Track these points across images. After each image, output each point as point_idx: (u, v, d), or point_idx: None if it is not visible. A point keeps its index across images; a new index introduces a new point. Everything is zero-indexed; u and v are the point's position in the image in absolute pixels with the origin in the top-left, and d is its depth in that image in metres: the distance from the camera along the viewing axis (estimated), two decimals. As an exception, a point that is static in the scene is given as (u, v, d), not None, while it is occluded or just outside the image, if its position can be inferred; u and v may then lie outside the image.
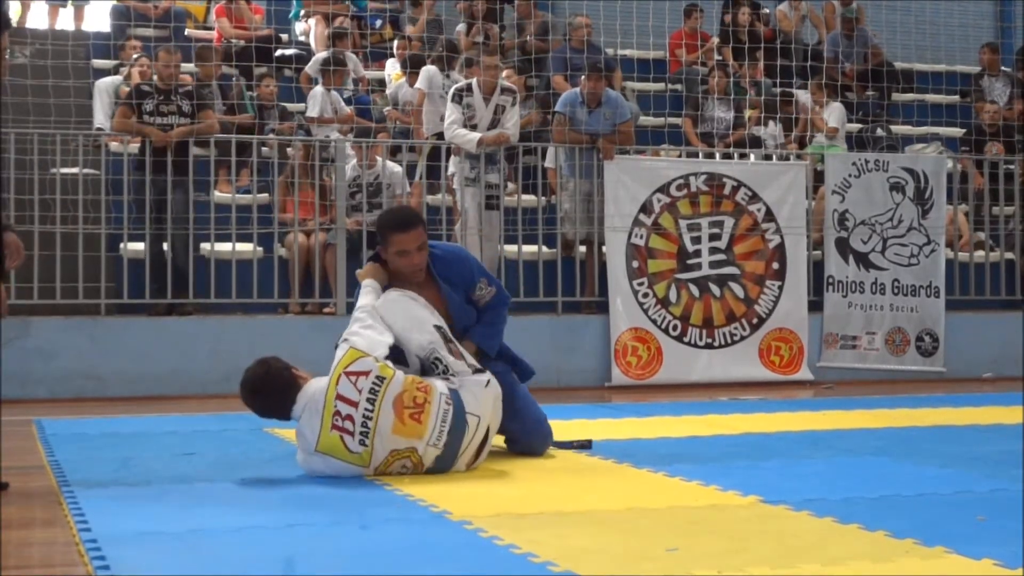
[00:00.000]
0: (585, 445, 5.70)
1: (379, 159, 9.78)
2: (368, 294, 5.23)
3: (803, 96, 11.91)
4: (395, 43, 12.13)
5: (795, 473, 5.11)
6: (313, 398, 4.79)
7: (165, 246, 9.22)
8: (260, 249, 9.44)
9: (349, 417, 4.74)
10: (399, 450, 4.79)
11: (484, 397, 5.02)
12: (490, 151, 9.65)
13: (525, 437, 5.47)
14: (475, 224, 9.51)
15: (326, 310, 9.45)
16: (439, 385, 4.92)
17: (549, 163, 10.36)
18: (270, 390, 4.91)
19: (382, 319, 5.11)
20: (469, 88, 9.63)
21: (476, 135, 9.51)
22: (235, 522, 4.04)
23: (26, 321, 8.56)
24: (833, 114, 11.55)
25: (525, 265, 9.73)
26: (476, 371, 5.08)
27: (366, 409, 4.75)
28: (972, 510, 4.18)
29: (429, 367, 5.06)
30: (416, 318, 5.13)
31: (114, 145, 9.72)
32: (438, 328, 5.11)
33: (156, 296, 9.14)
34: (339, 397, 4.76)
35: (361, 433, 4.74)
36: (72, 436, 6.31)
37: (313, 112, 10.47)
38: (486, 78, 9.58)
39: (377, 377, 4.80)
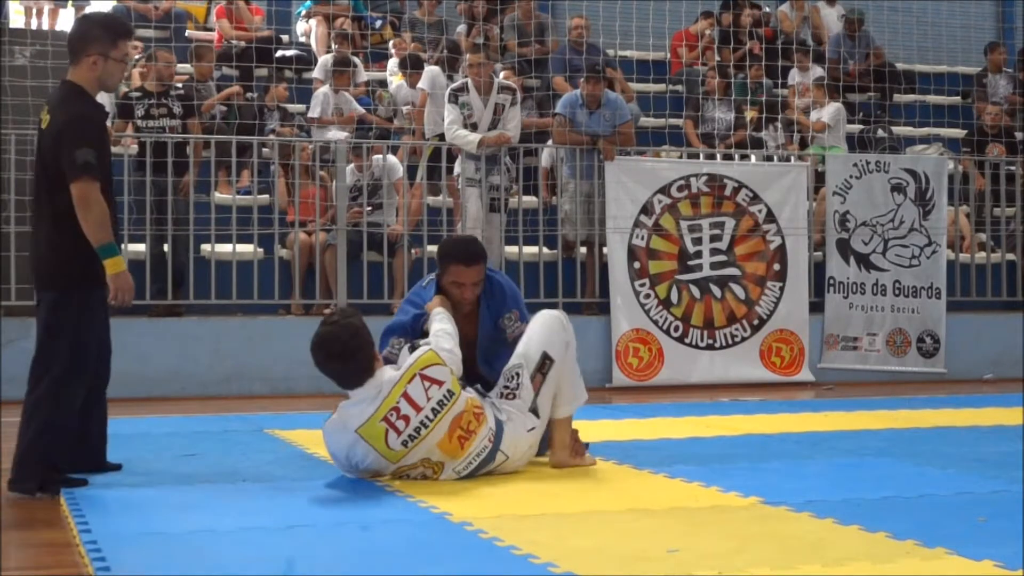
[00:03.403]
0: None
1: (375, 158, 9.78)
2: (442, 321, 5.15)
3: (792, 76, 12.04)
4: (391, 43, 12.12)
5: (796, 474, 5.11)
6: (380, 388, 4.73)
7: (166, 247, 9.23)
8: (260, 250, 9.44)
9: (406, 418, 4.70)
10: (431, 461, 4.79)
11: (523, 440, 5.03)
12: (491, 152, 9.64)
13: None
14: (477, 225, 9.50)
15: (327, 311, 9.44)
16: (490, 418, 4.91)
17: (544, 164, 10.37)
18: (352, 365, 4.76)
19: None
20: (465, 87, 9.63)
21: (477, 136, 9.49)
22: (235, 523, 4.04)
23: (26, 322, 8.52)
24: (829, 112, 11.54)
25: (526, 266, 9.72)
26: (532, 410, 5.04)
27: (426, 418, 4.72)
28: (973, 511, 4.17)
29: (503, 377, 5.04)
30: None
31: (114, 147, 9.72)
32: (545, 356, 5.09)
33: (156, 297, 9.14)
34: (405, 396, 4.71)
35: (409, 436, 4.71)
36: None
37: (314, 113, 10.47)
38: (476, 76, 9.56)
39: (448, 391, 4.78)
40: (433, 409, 4.73)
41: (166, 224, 9.15)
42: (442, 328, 5.10)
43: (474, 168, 9.60)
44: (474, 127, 9.56)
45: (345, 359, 4.75)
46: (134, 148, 9.37)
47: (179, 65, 11.04)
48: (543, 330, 5.11)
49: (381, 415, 4.69)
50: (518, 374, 5.03)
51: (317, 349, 4.80)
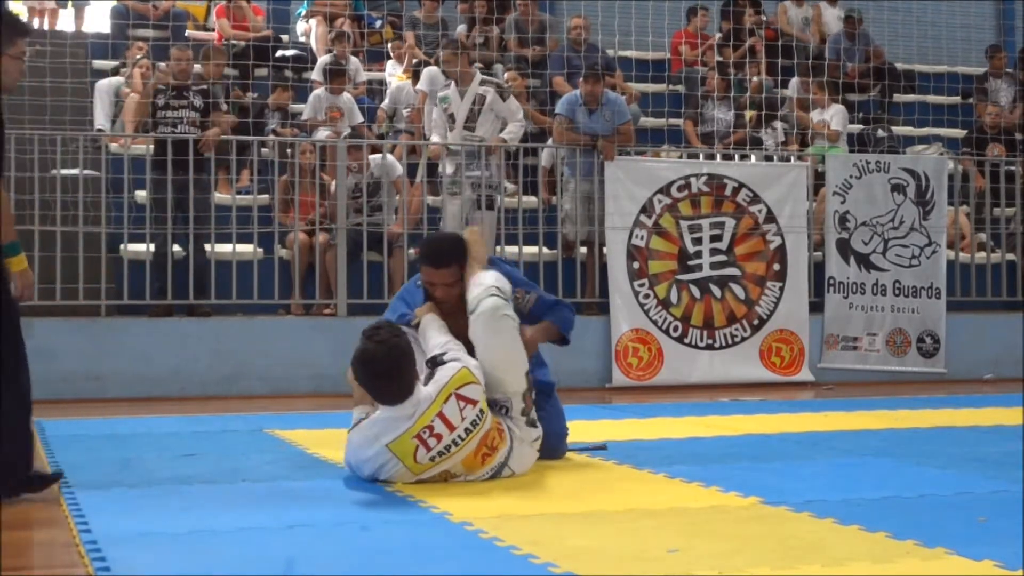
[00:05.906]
0: (600, 447, 5.68)
1: (373, 158, 9.77)
2: (440, 332, 5.02)
3: (793, 86, 11.98)
4: (390, 44, 12.11)
5: (796, 474, 5.11)
6: (416, 406, 4.66)
7: (176, 247, 9.23)
8: (260, 250, 9.44)
9: (438, 436, 4.65)
10: (450, 472, 4.77)
11: (528, 456, 5.01)
12: (484, 147, 9.66)
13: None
14: (455, 226, 9.38)
15: (326, 311, 9.45)
16: (508, 437, 4.88)
17: (544, 164, 10.37)
18: (399, 385, 4.65)
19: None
20: (447, 85, 9.71)
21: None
22: (235, 522, 4.04)
23: (27, 322, 8.50)
24: (836, 117, 11.54)
25: (525, 266, 9.70)
26: (531, 423, 5.01)
27: (459, 436, 4.68)
28: (973, 511, 4.17)
29: (492, 403, 4.94)
30: (513, 360, 4.98)
31: (114, 146, 9.73)
32: (528, 375, 5.00)
33: (157, 297, 9.14)
34: (440, 415, 4.65)
35: (439, 453, 4.67)
36: (73, 437, 6.31)
37: (307, 115, 10.47)
38: (451, 69, 9.62)
39: (480, 411, 4.74)
40: (466, 429, 4.70)
41: (175, 224, 9.15)
42: (447, 341, 4.95)
43: (452, 167, 9.62)
44: (451, 118, 9.62)
45: (393, 378, 4.65)
46: (140, 148, 9.40)
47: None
48: (501, 352, 4.94)
49: (414, 432, 4.65)
50: (506, 407, 4.93)
51: (367, 364, 4.66)
